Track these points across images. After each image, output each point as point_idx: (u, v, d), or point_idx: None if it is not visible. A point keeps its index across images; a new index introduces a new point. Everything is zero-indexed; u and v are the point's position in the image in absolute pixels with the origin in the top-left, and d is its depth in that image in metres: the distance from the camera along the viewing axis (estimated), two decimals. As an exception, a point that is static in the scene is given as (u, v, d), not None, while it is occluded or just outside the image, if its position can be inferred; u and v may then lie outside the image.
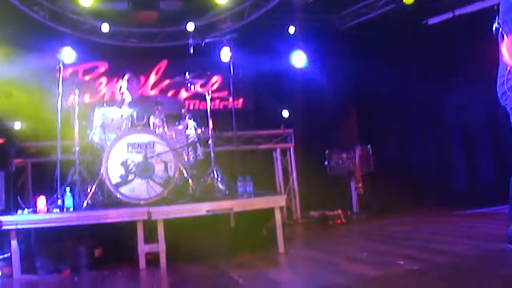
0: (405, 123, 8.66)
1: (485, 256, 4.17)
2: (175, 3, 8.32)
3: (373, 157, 8.11)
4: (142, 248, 4.77)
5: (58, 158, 5.52)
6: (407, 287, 3.40)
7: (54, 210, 4.96)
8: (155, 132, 5.50)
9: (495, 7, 3.79)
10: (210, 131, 6.14)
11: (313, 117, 8.38)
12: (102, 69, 8.18)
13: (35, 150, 7.22)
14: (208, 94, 6.31)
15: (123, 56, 8.18)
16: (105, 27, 7.82)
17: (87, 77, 8.07)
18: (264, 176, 7.60)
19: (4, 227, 4.62)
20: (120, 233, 4.95)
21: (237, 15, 8.42)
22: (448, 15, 7.74)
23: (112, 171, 5.09)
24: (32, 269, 4.74)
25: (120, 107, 5.81)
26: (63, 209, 4.95)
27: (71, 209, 4.95)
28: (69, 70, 7.66)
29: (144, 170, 5.14)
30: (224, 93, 8.28)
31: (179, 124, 6.02)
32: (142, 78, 8.00)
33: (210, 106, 6.25)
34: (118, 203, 5.10)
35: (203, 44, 6.58)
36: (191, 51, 6.72)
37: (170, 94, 8.18)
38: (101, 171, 5.10)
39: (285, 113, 8.44)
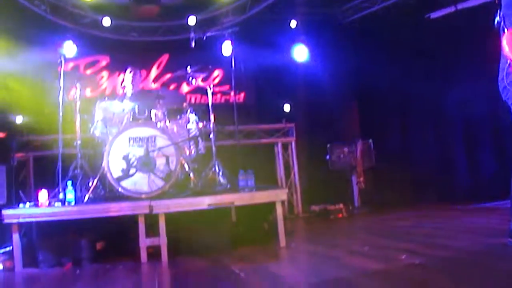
0: (407, 117, 8.65)
1: (487, 250, 4.17)
2: (176, -3, 8.31)
3: (375, 151, 8.11)
4: (144, 242, 4.78)
5: (59, 152, 5.52)
6: (409, 281, 3.40)
7: (56, 204, 4.97)
8: (157, 126, 5.49)
9: (497, 1, 3.77)
10: (211, 125, 6.13)
11: (315, 111, 8.36)
12: (103, 63, 8.17)
13: (37, 144, 7.23)
14: (210, 88, 6.29)
15: (125, 50, 8.16)
16: (106, 21, 7.80)
17: (88, 71, 8.05)
18: (265, 170, 7.59)
19: (6, 221, 4.63)
20: (122, 227, 4.96)
21: (239, 9, 8.39)
22: (450, 9, 7.70)
23: (114, 165, 5.09)
24: (34, 263, 4.76)
25: (122, 101, 5.80)
26: (64, 203, 4.96)
27: (73, 203, 4.96)
28: (71, 64, 7.65)
29: (146, 164, 5.14)
30: (225, 87, 8.27)
31: (180, 118, 6.01)
32: (144, 72, 7.99)
33: (212, 100, 6.24)
34: (119, 197, 5.11)
35: (204, 38, 6.56)
36: (193, 45, 6.70)
37: (171, 88, 8.17)
38: (103, 165, 5.10)
39: (287, 107, 8.42)
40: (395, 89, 8.28)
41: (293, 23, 8.36)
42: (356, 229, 6.54)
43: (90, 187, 5.28)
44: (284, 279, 3.94)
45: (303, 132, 8.38)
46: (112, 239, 5.08)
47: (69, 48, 7.29)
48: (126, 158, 5.12)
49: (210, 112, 6.16)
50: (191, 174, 5.70)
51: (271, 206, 5.24)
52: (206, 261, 4.65)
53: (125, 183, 5.09)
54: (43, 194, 4.97)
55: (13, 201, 5.60)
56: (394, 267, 3.78)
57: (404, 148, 8.52)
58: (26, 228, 5.08)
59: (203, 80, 7.25)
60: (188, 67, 6.19)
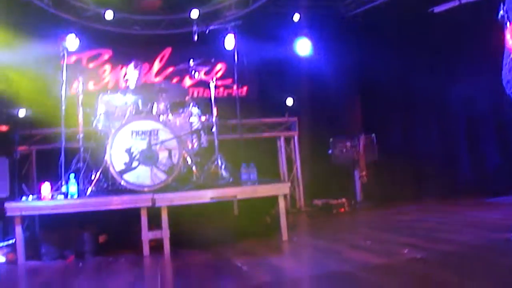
0: (410, 111, 8.62)
1: (489, 245, 4.17)
2: (179, -10, 8.28)
3: (378, 145, 8.09)
4: (146, 235, 4.80)
5: (62, 145, 5.53)
6: (411, 275, 3.40)
7: (59, 197, 4.98)
8: (159, 119, 5.49)
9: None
10: (214, 119, 6.12)
11: (318, 105, 8.34)
12: (106, 57, 8.15)
13: (40, 138, 7.24)
14: (212, 81, 6.28)
15: (127, 43, 8.14)
16: (108, 15, 7.78)
17: (91, 65, 8.04)
18: (268, 164, 7.57)
19: (8, 214, 4.65)
20: (124, 220, 4.97)
21: (242, 2, 8.35)
22: (454, 3, 7.65)
23: (116, 158, 5.10)
24: (36, 255, 4.78)
25: (124, 95, 5.79)
26: (67, 196, 4.97)
27: (75, 196, 4.97)
28: (73, 58, 7.64)
29: (148, 157, 5.14)
30: (228, 81, 8.26)
31: (183, 111, 6.01)
32: (146, 66, 7.98)
33: (214, 94, 6.23)
34: (122, 190, 5.12)
35: (207, 32, 6.54)
36: (195, 38, 6.69)
37: (174, 81, 8.16)
38: (105, 158, 5.11)
39: (290, 101, 8.40)
40: (398, 83, 8.26)
41: (296, 17, 8.33)
42: (358, 223, 6.54)
43: (92, 180, 5.30)
44: (286, 272, 3.95)
45: (306, 126, 8.37)
46: (114, 232, 5.09)
47: (72, 41, 7.28)
48: (128, 151, 5.13)
49: (213, 106, 6.15)
50: (194, 168, 5.70)
51: (273, 200, 5.24)
52: (208, 254, 4.67)
53: (128, 176, 5.09)
54: (45, 187, 4.98)
55: (16, 194, 5.63)
56: (396, 262, 3.78)
57: (407, 142, 8.50)
58: (29, 221, 5.10)
59: (206, 73, 7.24)
60: (191, 60, 6.17)
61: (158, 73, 8.26)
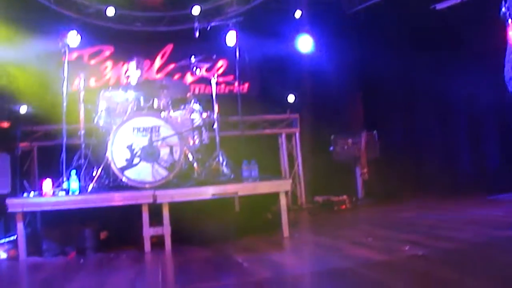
0: (411, 108, 8.60)
1: (491, 242, 4.16)
2: (181, -14, 8.26)
3: (379, 143, 8.08)
4: (147, 231, 4.81)
5: (64, 142, 5.54)
6: (412, 272, 3.40)
7: (60, 193, 4.99)
8: (161, 115, 5.48)
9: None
10: (215, 116, 6.12)
11: (319, 102, 8.33)
12: (107, 53, 8.14)
13: (41, 134, 7.24)
14: (214, 78, 6.28)
15: (129, 40, 8.13)
16: (110, 11, 7.77)
17: (92, 61, 8.04)
18: (269, 161, 7.57)
19: (10, 210, 4.66)
20: (126, 216, 4.98)
21: (243, -2, 8.35)
22: (456, 0, 7.64)
23: (118, 155, 5.10)
24: (38, 252, 4.79)
25: (126, 91, 5.80)
26: (68, 192, 4.98)
27: (77, 192, 4.99)
28: (75, 54, 7.64)
29: (150, 154, 5.15)
30: (229, 78, 8.24)
31: (184, 108, 6.00)
32: (148, 62, 7.97)
33: (216, 91, 6.22)
34: (123, 187, 5.12)
35: (208, 28, 6.53)
36: (197, 35, 6.68)
37: (175, 78, 8.13)
38: (107, 154, 5.11)
39: (291, 98, 8.39)
40: (400, 80, 8.24)
41: (298, 13, 8.31)
42: (360, 220, 6.54)
43: (94, 177, 5.31)
44: (287, 268, 3.96)
45: (307, 123, 8.35)
46: (116, 228, 5.11)
47: (73, 38, 7.27)
48: (130, 147, 5.13)
49: (214, 103, 6.15)
50: (195, 164, 5.70)
51: (274, 196, 5.25)
52: (209, 251, 4.67)
53: (129, 173, 5.10)
54: (47, 184, 4.98)
55: (17, 191, 5.63)
56: (397, 258, 3.78)
57: (409, 139, 8.48)
58: (30, 217, 5.11)
59: (207, 70, 7.21)
60: (192, 57, 6.17)
61: (159, 70, 8.25)
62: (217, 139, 6.02)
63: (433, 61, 7.95)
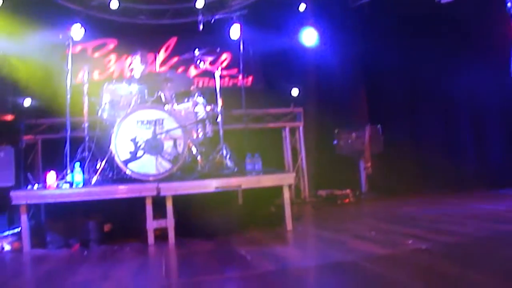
0: (415, 102, 8.56)
1: (493, 236, 4.17)
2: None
3: (383, 136, 8.06)
4: (151, 224, 4.82)
5: (67, 135, 5.55)
6: (415, 265, 3.40)
7: (64, 186, 5.00)
8: (164, 108, 5.48)
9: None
10: (219, 109, 6.12)
11: (323, 95, 8.30)
12: (111, 46, 8.14)
13: (45, 127, 7.26)
14: (218, 71, 6.27)
15: (132, 33, 8.12)
16: (114, 4, 7.75)
17: (96, 54, 8.04)
18: (273, 154, 7.57)
19: (14, 202, 4.67)
20: (129, 209, 4.99)
21: (248, -9, 8.31)
22: (461, -6, 7.59)
23: (121, 148, 5.11)
24: (42, 244, 4.81)
25: (129, 84, 5.80)
26: (72, 185, 4.99)
27: (81, 184, 5.00)
28: (79, 47, 7.64)
29: (153, 147, 5.15)
30: (233, 71, 8.22)
31: (188, 101, 6.00)
32: (151, 55, 7.95)
33: (220, 84, 6.22)
34: (127, 179, 5.13)
35: (212, 21, 6.53)
36: (201, 28, 6.67)
37: (179, 71, 8.12)
38: (110, 147, 5.12)
39: (295, 92, 8.37)
40: (405, 74, 8.20)
41: (302, 7, 8.27)
42: (363, 214, 6.54)
43: (97, 169, 5.31)
44: (290, 262, 3.96)
45: (311, 117, 8.33)
46: (119, 221, 5.11)
47: (77, 31, 7.26)
48: (133, 140, 5.14)
49: (218, 96, 6.14)
50: (199, 157, 5.70)
51: (278, 190, 5.25)
52: (213, 244, 4.68)
53: (133, 166, 5.11)
54: (51, 176, 5.00)
55: (21, 183, 5.65)
56: (400, 252, 3.79)
57: (413, 133, 8.45)
58: (34, 210, 5.14)
59: (211, 63, 7.22)
60: (196, 50, 6.16)
61: (163, 63, 8.23)
62: (221, 132, 6.03)
63: (438, 55, 7.91)
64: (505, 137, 7.76)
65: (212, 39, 7.06)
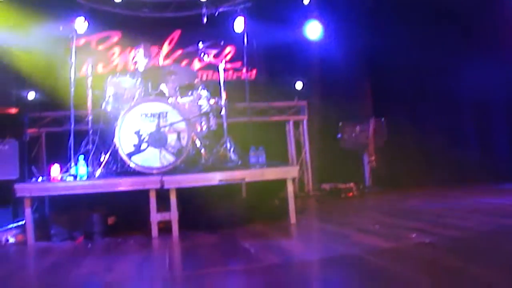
0: (420, 96, 8.52)
1: (498, 231, 4.15)
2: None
3: (387, 130, 8.03)
4: (155, 217, 4.83)
5: (71, 128, 5.56)
6: (418, 259, 3.39)
7: (68, 179, 5.01)
8: (168, 101, 5.48)
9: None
10: (223, 102, 6.10)
11: (327, 89, 8.27)
12: (115, 39, 8.13)
13: (49, 120, 7.27)
14: (222, 64, 6.25)
15: (136, 26, 8.09)
16: (117, -4, 7.74)
17: (100, 47, 8.03)
18: (276, 148, 7.57)
19: (18, 195, 4.69)
20: (133, 202, 5.00)
21: (252, -16, 8.27)
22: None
23: (125, 141, 5.11)
24: (46, 237, 4.83)
25: (133, 77, 5.80)
26: (76, 178, 5.00)
27: (85, 177, 5.01)
28: (82, 40, 7.63)
29: (157, 140, 5.15)
30: (237, 64, 8.20)
31: (192, 94, 5.99)
32: (155, 48, 7.94)
33: (223, 77, 6.20)
34: (131, 172, 5.14)
35: (216, 14, 6.50)
36: (205, 21, 6.65)
37: (183, 64, 8.11)
38: (114, 140, 5.12)
39: (299, 85, 8.35)
40: (409, 67, 8.16)
41: (306, -1, 8.24)
42: (367, 207, 6.53)
43: (101, 163, 5.32)
44: (294, 255, 3.96)
45: (315, 110, 8.31)
46: (123, 213, 5.12)
47: (81, 24, 7.25)
48: (137, 133, 5.14)
49: (222, 89, 6.13)
50: (202, 150, 5.70)
51: (282, 183, 5.25)
52: (216, 236, 4.69)
53: (137, 159, 5.11)
54: (55, 169, 5.01)
55: (25, 176, 5.66)
56: (404, 246, 3.78)
57: (417, 127, 8.42)
58: (38, 203, 5.15)
59: (215, 56, 7.20)
60: (200, 43, 6.14)
61: (167, 56, 8.22)
62: (225, 125, 6.01)
63: (443, 47, 7.87)
64: (510, 129, 7.72)
65: (216, 32, 7.04)
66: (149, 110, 5.22)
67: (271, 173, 5.21)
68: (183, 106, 5.73)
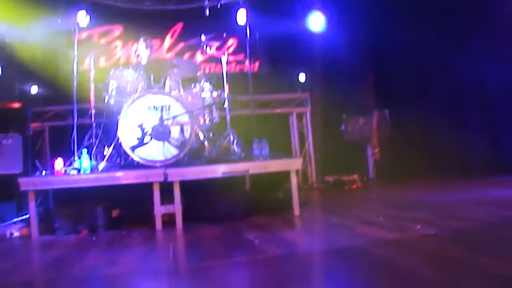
0: (424, 88, 8.49)
1: (502, 222, 4.14)
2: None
3: (391, 122, 8.01)
4: (159, 209, 4.83)
5: (75, 122, 5.56)
6: (423, 251, 3.38)
7: (72, 172, 5.01)
8: (171, 94, 5.47)
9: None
10: (226, 94, 6.09)
11: (330, 81, 8.24)
12: (117, 33, 8.11)
13: (52, 114, 7.28)
14: (224, 56, 6.23)
15: (138, 19, 8.06)
16: (119, -10, 7.72)
17: (102, 41, 8.02)
18: (280, 140, 7.55)
19: (22, 189, 4.69)
20: (137, 195, 5.01)
21: (254, -24, 8.23)
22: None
23: (129, 134, 5.11)
24: (50, 230, 4.84)
25: (136, 70, 5.79)
26: (80, 171, 5.01)
27: (88, 171, 5.01)
28: (85, 34, 7.61)
29: (161, 133, 5.15)
30: (240, 56, 8.18)
31: (194, 87, 5.98)
32: (158, 41, 7.93)
33: (226, 69, 6.19)
34: (134, 165, 5.14)
35: (219, 6, 6.48)
36: (207, 13, 6.62)
37: (186, 57, 8.10)
38: (117, 133, 5.12)
39: (302, 77, 8.32)
40: (413, 58, 8.11)
41: (310, -9, 8.18)
42: (370, 199, 6.52)
43: (105, 156, 5.32)
44: (297, 246, 3.96)
45: (318, 102, 8.29)
46: (127, 206, 5.13)
47: (83, 17, 7.23)
48: (140, 126, 5.14)
49: (225, 81, 6.12)
50: (206, 143, 5.70)
51: (285, 175, 5.24)
52: (220, 229, 4.69)
53: (140, 151, 5.11)
54: (59, 163, 5.01)
55: (29, 171, 5.67)
56: (409, 237, 3.77)
57: (421, 118, 8.38)
58: (42, 197, 5.16)
59: (218, 48, 7.17)
60: (202, 35, 6.12)
61: (169, 49, 8.20)
62: (228, 118, 6.01)
63: (447, 39, 7.82)
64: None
65: (218, 24, 7.00)
66: (152, 103, 5.22)
67: (275, 165, 5.21)
68: (186, 99, 5.72)
